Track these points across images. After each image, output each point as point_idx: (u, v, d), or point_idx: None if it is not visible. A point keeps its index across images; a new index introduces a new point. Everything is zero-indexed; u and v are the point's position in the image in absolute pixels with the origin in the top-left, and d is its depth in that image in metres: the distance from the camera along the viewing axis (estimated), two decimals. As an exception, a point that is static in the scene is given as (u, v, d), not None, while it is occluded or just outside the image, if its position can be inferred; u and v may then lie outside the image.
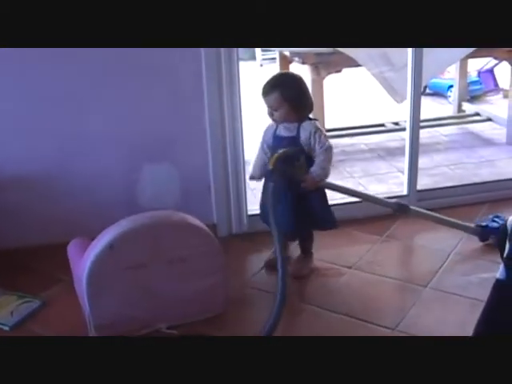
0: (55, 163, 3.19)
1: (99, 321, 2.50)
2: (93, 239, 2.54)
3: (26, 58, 2.93)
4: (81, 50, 2.77)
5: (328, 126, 4.70)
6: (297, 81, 2.90)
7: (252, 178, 3.04)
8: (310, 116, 2.94)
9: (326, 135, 2.89)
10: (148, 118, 3.17)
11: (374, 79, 4.51)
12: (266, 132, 2.97)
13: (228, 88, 3.11)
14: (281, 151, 2.72)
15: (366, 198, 3.29)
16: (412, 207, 3.22)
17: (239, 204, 3.40)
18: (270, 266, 2.97)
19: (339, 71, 4.73)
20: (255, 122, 3.59)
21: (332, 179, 4.27)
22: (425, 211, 3.27)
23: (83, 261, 2.48)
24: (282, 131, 2.89)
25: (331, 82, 4.80)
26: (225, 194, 3.33)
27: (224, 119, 3.22)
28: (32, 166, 3.17)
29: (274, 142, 2.91)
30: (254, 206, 3.42)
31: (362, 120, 5.74)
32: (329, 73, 4.54)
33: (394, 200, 3.26)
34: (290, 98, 2.82)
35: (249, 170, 3.05)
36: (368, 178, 4.42)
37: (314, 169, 2.82)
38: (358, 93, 6.96)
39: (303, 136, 2.84)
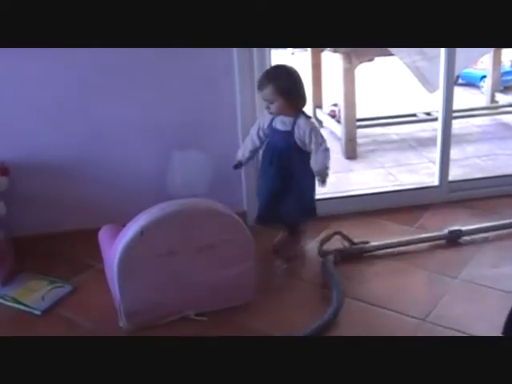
0: (86, 149, 3.22)
1: (129, 307, 2.51)
2: (123, 225, 2.56)
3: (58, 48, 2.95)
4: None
5: (359, 115, 4.67)
6: (291, 73, 2.93)
7: (239, 163, 3.08)
8: (305, 112, 2.98)
9: (321, 134, 2.95)
10: (178, 105, 3.17)
11: (406, 68, 4.47)
12: (263, 119, 3.01)
13: (259, 75, 3.10)
14: None
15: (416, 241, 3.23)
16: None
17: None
18: (276, 249, 3.11)
19: (371, 60, 4.70)
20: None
21: (363, 169, 4.37)
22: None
23: (114, 247, 2.49)
24: (278, 124, 2.94)
25: (363, 70, 4.76)
26: (255, 182, 3.31)
27: (255, 106, 3.21)
28: (63, 152, 3.20)
29: (269, 132, 2.98)
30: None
31: (393, 110, 5.70)
32: (360, 62, 4.50)
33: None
34: (284, 90, 2.86)
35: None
36: (399, 168, 4.39)
37: (317, 168, 2.89)
38: (390, 82, 6.91)
39: (297, 132, 2.89)
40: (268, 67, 3.12)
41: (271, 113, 2.92)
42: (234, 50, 3.10)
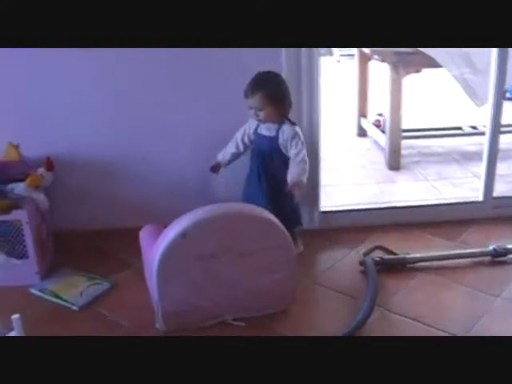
0: (132, 148, 3.25)
1: (167, 308, 2.51)
2: (165, 226, 2.56)
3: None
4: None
5: (404, 126, 4.63)
6: (280, 80, 2.94)
7: (217, 165, 3.10)
8: (290, 119, 2.99)
9: (303, 142, 2.95)
10: (224, 110, 3.17)
11: (454, 81, 4.42)
12: (249, 125, 3.05)
13: (307, 84, 3.09)
14: None
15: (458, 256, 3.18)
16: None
17: (312, 200, 3.38)
18: None
19: (419, 71, 4.65)
20: (331, 118, 3.60)
21: (406, 181, 4.32)
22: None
23: (155, 247, 2.49)
24: (264, 130, 2.97)
25: (410, 81, 4.72)
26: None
27: (302, 115, 3.19)
28: (109, 150, 3.24)
29: (255, 138, 3.02)
30: (326, 202, 3.42)
31: (439, 122, 5.64)
32: (408, 72, 4.46)
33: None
34: (274, 98, 2.88)
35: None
36: (442, 181, 4.33)
37: (292, 175, 2.88)
38: (436, 94, 6.83)
39: (281, 138, 2.93)
40: (316, 76, 3.10)
41: (259, 120, 2.94)
42: (283, 57, 3.09)
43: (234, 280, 2.55)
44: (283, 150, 2.94)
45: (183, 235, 2.42)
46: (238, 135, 3.06)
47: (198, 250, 2.47)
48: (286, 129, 2.92)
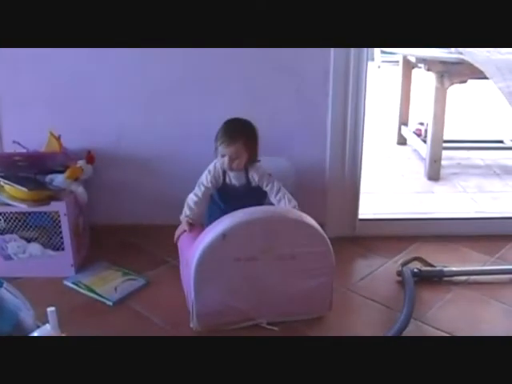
0: (173, 146, 3.25)
1: (202, 308, 2.50)
2: (202, 225, 2.55)
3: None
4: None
5: (446, 136, 4.58)
6: (255, 129, 2.81)
7: (189, 224, 2.79)
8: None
9: (270, 174, 2.84)
10: (268, 112, 3.15)
11: (499, 93, 4.36)
12: (214, 176, 2.82)
13: (354, 88, 3.06)
14: None
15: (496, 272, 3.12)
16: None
17: (351, 207, 3.35)
18: None
19: (464, 82, 4.59)
20: (371, 125, 3.57)
21: (445, 192, 4.27)
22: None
23: (194, 247, 2.48)
24: (233, 180, 2.82)
25: (454, 91, 4.67)
26: (339, 195, 3.29)
27: (346, 120, 3.17)
28: (150, 146, 3.24)
29: (225, 190, 2.84)
30: (364, 210, 3.39)
31: (480, 134, 5.58)
32: (453, 82, 4.41)
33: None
34: (250, 146, 2.77)
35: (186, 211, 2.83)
36: (482, 194, 4.28)
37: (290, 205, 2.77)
38: (479, 105, 6.77)
39: (254, 182, 2.82)
40: (363, 80, 3.07)
41: (231, 169, 2.77)
42: (332, 62, 3.07)
43: (271, 283, 2.53)
44: (257, 189, 2.84)
45: (223, 236, 2.41)
46: (203, 188, 2.80)
47: (237, 252, 2.45)
48: (255, 173, 2.81)
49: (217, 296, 2.50)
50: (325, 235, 2.54)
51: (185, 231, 2.77)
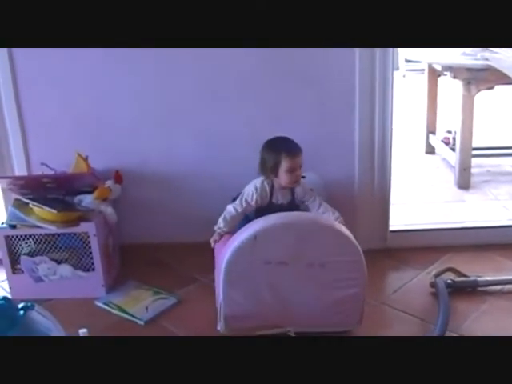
0: (199, 163, 3.25)
1: (230, 311, 2.51)
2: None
3: (175, 58, 3.03)
4: (228, 52, 2.85)
5: (474, 144, 4.53)
6: None
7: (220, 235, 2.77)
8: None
9: (312, 189, 2.82)
10: (294, 124, 3.14)
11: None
12: (261, 195, 2.74)
13: (380, 99, 3.04)
14: None
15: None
16: None
17: (382, 218, 3.32)
18: None
19: (491, 88, 4.55)
20: (398, 134, 3.53)
21: (476, 200, 4.22)
22: None
23: (226, 247, 2.50)
24: (280, 198, 2.77)
25: (481, 97, 4.62)
26: (369, 207, 3.27)
27: (374, 131, 3.15)
28: (177, 164, 3.25)
29: (270, 209, 2.71)
30: (394, 221, 3.36)
31: (510, 140, 5.51)
32: (480, 89, 4.37)
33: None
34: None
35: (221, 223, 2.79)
36: (513, 201, 4.23)
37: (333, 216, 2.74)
38: (508, 111, 6.69)
39: (298, 197, 2.79)
40: (390, 90, 3.06)
41: (295, 182, 2.73)
42: (357, 72, 3.06)
43: (300, 291, 2.51)
44: (300, 205, 2.82)
45: (255, 237, 2.41)
46: (245, 203, 2.74)
47: (267, 255, 2.45)
48: (300, 188, 2.78)
49: (244, 299, 2.50)
50: (357, 244, 2.51)
51: (216, 241, 2.77)
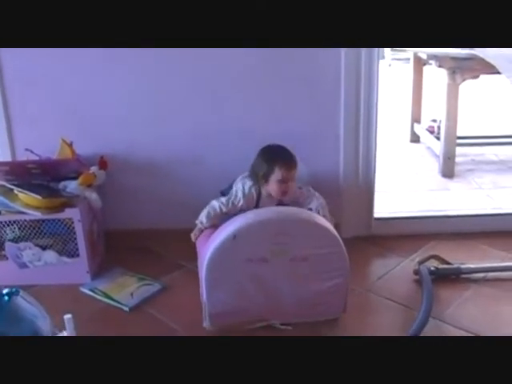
0: (185, 149, 3.23)
1: (214, 308, 2.51)
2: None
3: (168, 52, 2.98)
4: (222, 49, 2.82)
5: (459, 133, 4.55)
6: None
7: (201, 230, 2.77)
8: None
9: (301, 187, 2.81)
10: (281, 117, 3.15)
11: (512, 88, 4.33)
12: (247, 201, 2.73)
13: (366, 89, 3.06)
14: None
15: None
16: None
17: (367, 206, 3.34)
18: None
19: (476, 77, 4.57)
20: (383, 123, 3.54)
21: (460, 189, 4.24)
22: None
23: (206, 247, 2.49)
24: (267, 205, 2.72)
25: (466, 87, 4.64)
26: (354, 195, 3.28)
27: (359, 121, 3.16)
28: (162, 151, 3.23)
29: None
30: (379, 209, 3.38)
31: (494, 129, 5.54)
32: (464, 79, 4.38)
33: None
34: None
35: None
36: (497, 190, 4.25)
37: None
38: (493, 100, 6.72)
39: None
40: (375, 80, 3.06)
41: (284, 194, 2.70)
42: (342, 62, 3.06)
43: (283, 285, 2.51)
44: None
45: (233, 236, 2.40)
46: (235, 200, 2.74)
47: (248, 253, 2.44)
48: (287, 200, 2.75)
49: (228, 297, 2.50)
50: (337, 236, 2.52)
51: (197, 236, 2.77)
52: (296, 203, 2.76)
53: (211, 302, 2.50)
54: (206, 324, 2.55)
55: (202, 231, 2.76)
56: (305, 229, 2.49)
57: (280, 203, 2.74)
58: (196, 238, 2.77)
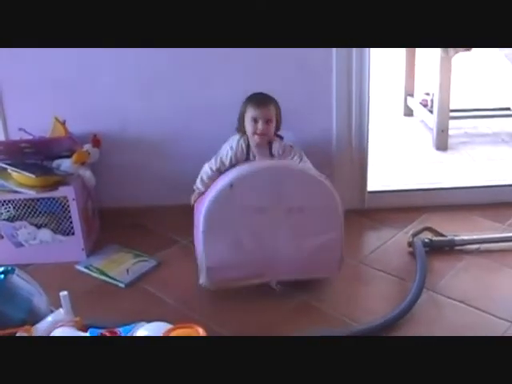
0: (176, 126, 3.23)
1: (211, 262, 2.52)
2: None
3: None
4: None
5: (452, 106, 4.55)
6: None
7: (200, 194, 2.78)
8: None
9: (300, 152, 2.81)
10: (273, 87, 3.07)
11: (504, 60, 4.32)
12: (236, 154, 2.73)
13: (358, 60, 3.06)
14: None
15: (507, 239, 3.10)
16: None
17: (360, 179, 3.34)
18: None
19: (468, 50, 4.56)
20: (377, 97, 3.54)
21: (453, 161, 4.25)
22: None
23: (203, 200, 2.51)
24: (258, 155, 2.74)
25: (459, 60, 4.62)
26: (347, 168, 3.29)
27: (351, 93, 3.16)
28: (153, 128, 3.23)
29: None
30: (373, 182, 3.39)
31: (486, 102, 5.53)
32: (457, 52, 4.37)
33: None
34: (278, 114, 2.75)
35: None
36: (490, 162, 4.26)
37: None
38: (486, 73, 6.70)
39: (277, 156, 2.76)
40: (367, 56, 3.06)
41: (263, 136, 2.70)
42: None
43: (279, 237, 2.53)
44: None
45: (230, 185, 2.42)
46: (219, 160, 2.75)
47: (244, 201, 2.46)
48: (278, 145, 2.76)
49: (225, 249, 2.51)
50: (332, 189, 2.53)
51: (195, 200, 2.79)
52: (280, 154, 2.77)
53: (207, 254, 2.51)
54: (202, 280, 2.56)
55: (199, 195, 2.77)
56: (299, 179, 2.51)
57: (270, 151, 2.76)
58: (194, 202, 2.79)
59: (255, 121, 2.69)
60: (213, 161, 2.77)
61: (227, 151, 2.75)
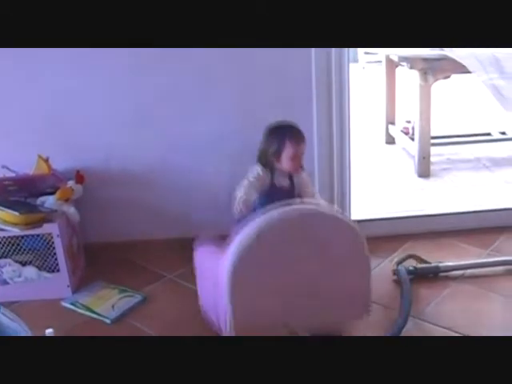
0: (161, 161, 3.24)
1: (239, 316, 2.34)
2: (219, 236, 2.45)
3: (142, 56, 2.99)
4: (187, 51, 2.80)
5: (433, 132, 4.59)
6: None
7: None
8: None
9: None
10: (254, 121, 3.12)
11: (483, 86, 4.37)
12: (260, 178, 2.76)
13: (337, 91, 3.08)
14: None
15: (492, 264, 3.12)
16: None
17: (342, 208, 3.32)
18: None
19: (447, 77, 4.61)
20: (358, 126, 3.56)
21: (436, 188, 4.28)
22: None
23: (227, 252, 2.34)
24: (281, 181, 2.77)
25: (439, 87, 4.68)
26: (329, 198, 3.28)
27: (332, 124, 3.19)
28: (138, 163, 3.24)
29: (271, 190, 2.75)
30: (355, 211, 3.43)
31: (468, 128, 5.59)
32: (436, 79, 4.42)
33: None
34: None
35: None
36: (473, 188, 4.29)
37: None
38: (466, 100, 6.77)
39: (297, 185, 2.81)
40: (346, 83, 3.09)
41: (297, 169, 2.77)
42: (313, 65, 3.08)
43: (309, 285, 2.40)
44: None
45: (257, 236, 2.29)
46: (249, 185, 2.75)
47: (272, 252, 2.33)
48: (304, 175, 2.83)
49: (254, 301, 2.35)
50: (359, 233, 2.47)
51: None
52: (299, 182, 2.81)
53: (235, 306, 2.32)
54: (228, 332, 2.36)
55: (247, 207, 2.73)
56: (328, 225, 2.42)
57: (291, 179, 2.78)
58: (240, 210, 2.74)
59: (296, 156, 2.71)
60: (241, 189, 2.75)
61: (257, 171, 2.75)
